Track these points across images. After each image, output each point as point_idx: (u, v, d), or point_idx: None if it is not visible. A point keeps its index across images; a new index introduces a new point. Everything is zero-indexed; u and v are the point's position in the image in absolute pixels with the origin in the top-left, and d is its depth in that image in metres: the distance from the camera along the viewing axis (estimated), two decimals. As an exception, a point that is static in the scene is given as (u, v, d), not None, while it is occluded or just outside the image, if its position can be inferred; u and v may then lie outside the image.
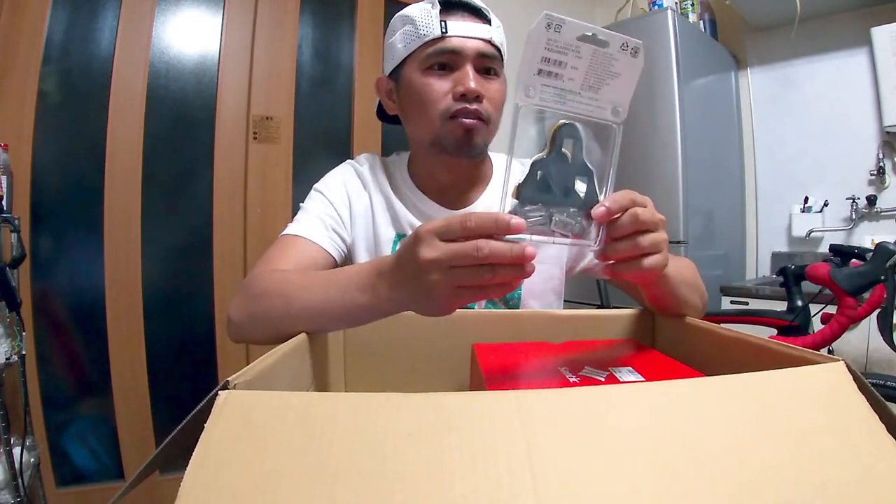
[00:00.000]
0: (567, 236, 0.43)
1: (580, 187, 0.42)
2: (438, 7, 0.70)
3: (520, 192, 0.41)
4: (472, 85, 0.68)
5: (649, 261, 0.45)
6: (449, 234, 0.39)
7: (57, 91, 1.52)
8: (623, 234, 0.43)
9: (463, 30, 0.70)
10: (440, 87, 0.70)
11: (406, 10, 0.74)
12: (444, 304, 0.41)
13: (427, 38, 0.70)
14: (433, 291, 0.40)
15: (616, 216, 0.43)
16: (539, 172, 0.41)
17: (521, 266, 0.39)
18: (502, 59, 0.75)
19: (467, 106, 0.69)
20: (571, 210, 0.42)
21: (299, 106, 1.84)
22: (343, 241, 0.77)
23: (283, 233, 0.74)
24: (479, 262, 0.38)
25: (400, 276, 0.44)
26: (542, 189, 0.41)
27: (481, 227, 0.38)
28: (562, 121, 0.41)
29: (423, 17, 0.70)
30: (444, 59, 0.70)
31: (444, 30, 0.69)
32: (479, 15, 0.72)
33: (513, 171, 0.41)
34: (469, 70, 0.69)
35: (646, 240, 0.44)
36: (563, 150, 0.42)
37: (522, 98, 0.40)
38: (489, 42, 0.71)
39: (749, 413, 0.30)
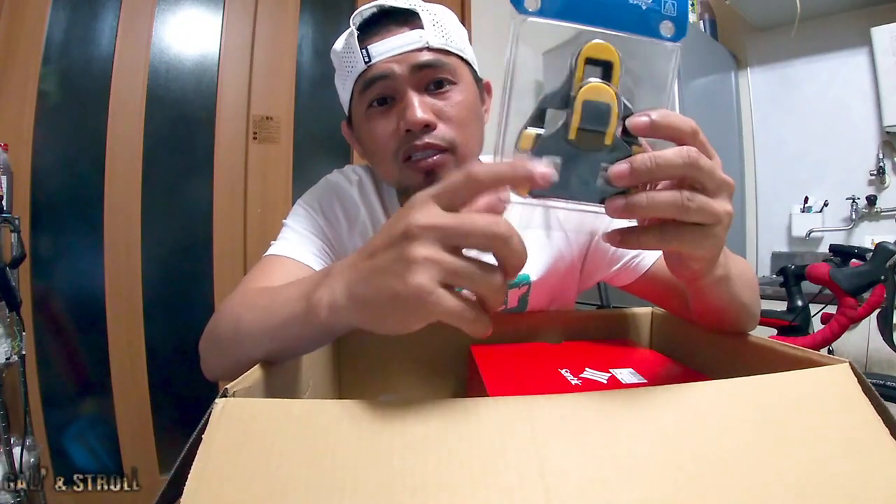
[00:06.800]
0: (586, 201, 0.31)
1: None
2: (357, 33, 0.57)
3: (537, 142, 0.29)
4: (418, 115, 0.55)
5: (694, 234, 0.31)
6: (453, 196, 0.29)
7: (57, 91, 1.52)
8: (664, 175, 0.30)
9: (387, 49, 0.56)
10: (384, 129, 0.58)
11: (335, 44, 0.62)
12: (416, 296, 0.28)
13: (355, 75, 0.59)
14: (410, 271, 0.28)
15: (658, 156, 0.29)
16: (562, 114, 0.29)
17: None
18: (460, 57, 0.61)
19: (416, 143, 0.56)
20: (601, 165, 0.30)
21: (299, 106, 1.83)
22: (333, 261, 0.63)
23: (266, 253, 0.64)
24: (483, 233, 0.28)
25: (364, 269, 0.31)
26: (561, 138, 0.29)
27: (498, 178, 0.28)
28: (595, 39, 0.29)
29: (346, 50, 0.59)
30: (378, 92, 0.58)
31: (366, 59, 0.57)
32: (406, 21, 0.58)
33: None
34: (410, 96, 0.56)
35: (696, 201, 0.30)
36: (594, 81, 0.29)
37: (523, 7, 0.27)
38: (426, 49, 0.57)
39: (759, 417, 0.30)
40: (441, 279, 0.28)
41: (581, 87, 0.28)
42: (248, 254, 1.75)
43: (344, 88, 0.62)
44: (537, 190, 0.29)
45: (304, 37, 1.87)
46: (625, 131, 0.30)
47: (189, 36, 1.69)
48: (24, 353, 1.27)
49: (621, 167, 0.29)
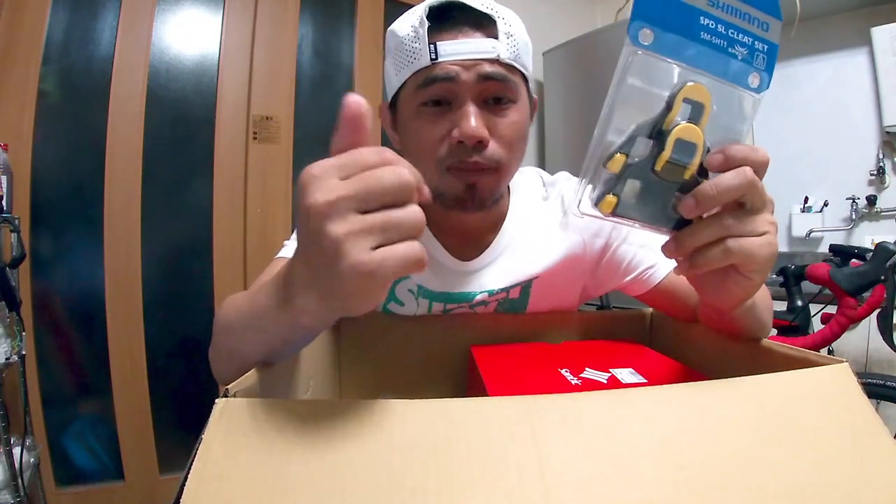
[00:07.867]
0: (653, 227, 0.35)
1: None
2: (427, 24, 0.54)
3: (625, 167, 0.32)
4: (474, 129, 0.53)
5: (752, 243, 0.34)
6: (350, 169, 0.29)
7: (57, 91, 1.52)
8: (727, 198, 0.33)
9: (458, 51, 0.54)
10: (434, 133, 0.56)
11: (396, 24, 0.59)
12: (359, 271, 0.27)
13: (416, 68, 0.56)
14: (339, 253, 0.27)
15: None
16: (650, 143, 0.32)
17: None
18: (523, 75, 0.59)
19: (466, 158, 0.55)
20: (675, 195, 0.34)
21: (299, 106, 1.83)
22: None
23: (278, 255, 0.63)
24: (393, 190, 0.28)
25: (303, 254, 0.31)
26: (647, 167, 0.32)
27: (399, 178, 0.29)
28: (690, 82, 0.32)
29: (410, 38, 0.56)
30: (437, 93, 0.55)
31: (433, 55, 0.54)
32: (481, 25, 0.55)
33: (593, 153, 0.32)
34: (469, 107, 0.54)
35: (741, 217, 0.34)
36: (688, 121, 0.32)
37: (637, 40, 0.30)
38: (496, 61, 0.55)
39: (758, 416, 0.30)
40: (372, 244, 0.27)
41: (675, 126, 0.31)
42: (248, 254, 1.75)
43: (397, 75, 0.59)
44: (617, 211, 0.33)
45: (304, 37, 1.87)
46: (699, 169, 0.33)
47: (189, 36, 1.69)
48: (24, 353, 1.26)
49: (689, 201, 0.33)
